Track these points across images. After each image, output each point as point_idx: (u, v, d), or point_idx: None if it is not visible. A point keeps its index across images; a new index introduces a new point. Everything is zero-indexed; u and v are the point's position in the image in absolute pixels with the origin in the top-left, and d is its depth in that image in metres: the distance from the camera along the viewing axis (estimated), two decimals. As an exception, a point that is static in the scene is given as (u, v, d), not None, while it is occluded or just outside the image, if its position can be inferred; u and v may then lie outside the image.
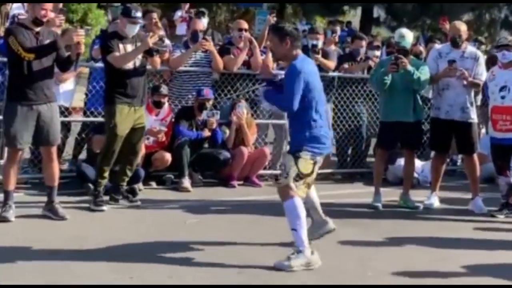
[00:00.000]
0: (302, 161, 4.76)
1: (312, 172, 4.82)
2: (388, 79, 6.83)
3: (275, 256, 4.76)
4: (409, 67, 6.74)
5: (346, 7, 21.58)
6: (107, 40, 6.33)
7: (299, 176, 4.76)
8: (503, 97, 6.74)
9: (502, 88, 6.76)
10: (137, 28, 6.40)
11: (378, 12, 21.80)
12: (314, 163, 4.82)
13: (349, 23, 20.71)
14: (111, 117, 6.24)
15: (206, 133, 7.68)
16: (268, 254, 4.95)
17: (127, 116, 6.27)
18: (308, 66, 4.91)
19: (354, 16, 22.46)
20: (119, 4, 8.49)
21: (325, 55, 8.50)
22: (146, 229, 5.68)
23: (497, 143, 6.86)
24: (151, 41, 6.25)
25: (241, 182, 7.94)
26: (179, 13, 14.73)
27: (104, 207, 6.26)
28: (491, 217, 6.75)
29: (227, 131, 7.90)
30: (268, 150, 8.21)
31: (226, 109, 8.01)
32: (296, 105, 4.77)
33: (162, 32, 8.20)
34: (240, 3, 23.81)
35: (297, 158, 4.77)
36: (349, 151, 8.81)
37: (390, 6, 20.53)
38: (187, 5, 14.76)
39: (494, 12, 21.19)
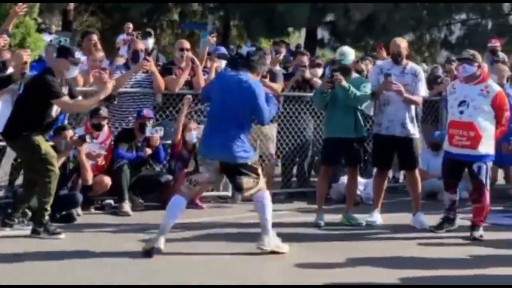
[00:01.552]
0: None
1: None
2: (327, 96, 6.92)
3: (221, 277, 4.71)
4: (344, 83, 6.81)
5: (290, 29, 21.82)
6: (52, 82, 5.94)
7: None
8: (461, 112, 6.73)
9: (461, 103, 6.75)
10: (77, 70, 6.30)
11: (322, 33, 22.11)
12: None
13: (287, 45, 20.91)
14: (36, 147, 5.93)
15: (147, 152, 7.60)
16: (211, 273, 4.89)
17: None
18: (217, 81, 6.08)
19: (298, 38, 22.69)
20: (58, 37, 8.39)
21: (273, 76, 8.53)
22: (82, 254, 5.55)
23: (451, 158, 6.87)
24: (110, 86, 6.21)
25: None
26: (121, 37, 14.59)
27: (62, 235, 6.05)
28: (432, 232, 6.83)
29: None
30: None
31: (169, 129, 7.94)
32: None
33: (102, 53, 8.10)
34: (185, 25, 23.91)
35: None
36: (294, 170, 8.85)
37: (334, 27, 20.83)
38: (130, 28, 14.66)
39: (434, 32, 21.75)
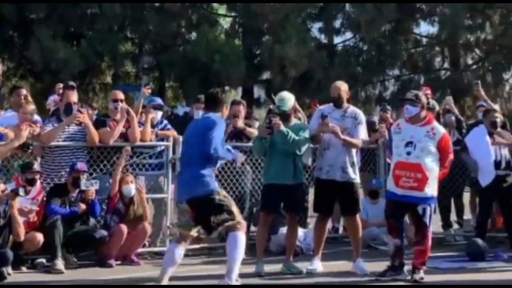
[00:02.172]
0: None
1: None
2: (266, 143, 7.04)
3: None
4: (283, 128, 6.94)
5: (226, 87, 22.17)
6: None
7: None
8: (408, 153, 6.80)
9: (408, 144, 6.83)
10: None
11: (258, 92, 22.57)
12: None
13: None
14: None
15: (81, 207, 7.52)
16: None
17: None
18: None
19: (235, 96, 23.09)
20: None
21: None
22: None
23: (396, 199, 6.91)
24: (25, 134, 6.17)
25: (119, 262, 7.75)
26: (52, 98, 14.47)
27: None
28: (376, 280, 6.88)
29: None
30: (148, 226, 8.10)
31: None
32: None
33: (33, 106, 8.05)
34: (119, 87, 23.97)
35: None
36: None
37: (269, 85, 21.26)
38: (61, 89, 14.56)
39: (369, 89, 22.50)
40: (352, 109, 7.47)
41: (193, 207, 6.06)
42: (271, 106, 9.12)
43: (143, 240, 7.99)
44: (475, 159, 8.76)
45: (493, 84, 20.65)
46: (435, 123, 7.13)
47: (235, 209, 6.16)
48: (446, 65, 22.66)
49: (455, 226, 10.18)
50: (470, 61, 22.68)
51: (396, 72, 22.32)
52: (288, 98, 7.31)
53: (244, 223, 6.29)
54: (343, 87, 7.47)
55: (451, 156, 7.05)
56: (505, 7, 20.92)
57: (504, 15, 21.40)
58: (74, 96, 8.11)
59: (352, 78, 20.46)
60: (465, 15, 19.95)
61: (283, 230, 7.92)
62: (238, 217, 6.16)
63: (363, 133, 7.38)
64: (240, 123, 8.83)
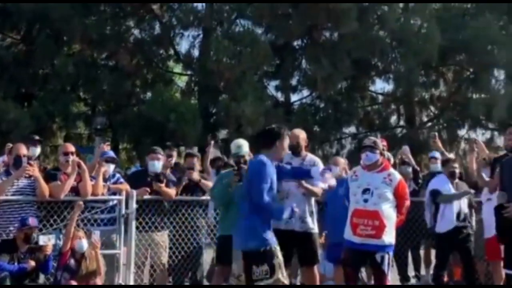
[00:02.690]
0: None
1: None
2: (232, 190, 7.11)
3: None
4: None
5: (182, 148, 22.23)
6: None
7: None
8: (365, 200, 6.89)
9: (365, 191, 6.92)
10: None
11: (214, 152, 22.62)
12: None
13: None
14: None
15: (31, 264, 7.43)
16: None
17: None
18: None
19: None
20: None
21: (167, 181, 8.66)
22: None
23: (354, 248, 6.94)
24: None
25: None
26: (1, 159, 14.25)
27: None
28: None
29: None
30: (101, 283, 8.01)
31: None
32: None
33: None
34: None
35: None
36: (186, 280, 8.86)
37: (226, 145, 21.44)
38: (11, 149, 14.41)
39: (326, 147, 22.86)
40: (310, 157, 7.60)
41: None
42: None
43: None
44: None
45: (448, 140, 21.22)
46: (391, 169, 7.25)
47: (277, 270, 5.91)
48: (402, 122, 23.24)
49: (413, 280, 10.33)
50: (425, 118, 23.30)
51: (353, 129, 22.77)
52: (244, 144, 7.48)
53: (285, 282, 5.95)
54: (301, 135, 7.61)
55: (408, 203, 7.19)
56: (458, 64, 21.70)
57: (457, 72, 22.20)
58: (23, 149, 8.04)
59: (309, 135, 20.82)
60: (419, 72, 20.58)
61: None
62: (276, 276, 5.89)
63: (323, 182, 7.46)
64: (196, 175, 8.92)
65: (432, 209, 9.08)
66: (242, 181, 7.01)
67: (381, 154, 7.16)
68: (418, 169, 10.28)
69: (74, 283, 7.55)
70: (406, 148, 10.62)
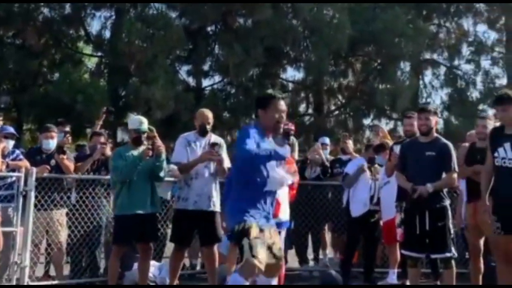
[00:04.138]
0: None
1: None
2: (140, 166, 7.08)
3: None
4: (164, 152, 7.18)
5: (88, 130, 21.89)
6: None
7: None
8: None
9: None
10: None
11: (121, 135, 22.37)
12: None
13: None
14: None
15: None
16: None
17: None
18: None
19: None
20: None
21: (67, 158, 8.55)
22: None
23: None
24: None
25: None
26: None
27: None
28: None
29: None
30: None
31: None
32: None
33: None
34: None
35: None
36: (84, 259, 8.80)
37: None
38: None
39: (235, 133, 22.93)
40: (215, 137, 7.68)
41: None
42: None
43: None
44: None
45: (354, 129, 21.77)
46: None
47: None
48: (310, 110, 23.64)
49: (311, 263, 10.60)
50: (333, 107, 23.79)
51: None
52: (146, 121, 7.50)
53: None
54: (210, 114, 7.64)
55: (297, 178, 7.45)
56: (367, 55, 22.23)
57: (366, 62, 22.73)
58: None
59: (219, 121, 20.90)
60: (329, 61, 20.96)
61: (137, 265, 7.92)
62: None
63: (228, 161, 7.52)
64: (108, 150, 8.88)
65: (347, 192, 9.33)
66: (153, 156, 7.11)
67: None
68: (328, 165, 10.52)
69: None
70: (318, 145, 10.80)
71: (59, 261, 8.49)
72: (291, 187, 7.33)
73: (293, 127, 10.67)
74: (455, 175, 7.13)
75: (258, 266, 5.08)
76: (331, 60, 21.41)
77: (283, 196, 7.17)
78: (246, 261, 5.11)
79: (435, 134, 7.28)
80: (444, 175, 7.07)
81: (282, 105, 5.39)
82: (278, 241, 5.54)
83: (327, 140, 11.19)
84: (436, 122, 7.36)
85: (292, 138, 10.31)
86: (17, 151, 8.52)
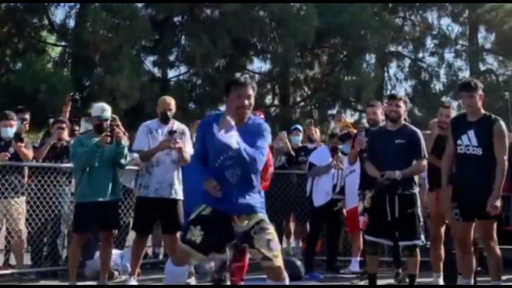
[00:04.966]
0: None
1: None
2: (99, 152, 6.99)
3: None
4: (125, 138, 7.10)
5: (51, 120, 21.56)
6: None
7: None
8: None
9: None
10: None
11: (85, 126, 22.12)
12: None
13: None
14: None
15: None
16: None
17: None
18: None
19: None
20: None
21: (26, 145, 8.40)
22: None
23: None
24: None
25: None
26: None
27: None
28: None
29: None
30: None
31: None
32: None
33: None
34: None
35: None
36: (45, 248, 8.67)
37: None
38: None
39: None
40: (178, 124, 7.60)
41: None
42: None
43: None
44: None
45: (319, 120, 21.85)
46: None
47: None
48: (276, 101, 23.67)
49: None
50: (298, 98, 23.85)
51: (228, 107, 22.91)
52: (109, 109, 7.39)
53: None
54: (172, 101, 7.56)
55: (272, 169, 7.50)
56: (333, 47, 22.31)
57: (332, 54, 22.82)
58: None
59: (184, 112, 20.81)
60: (295, 53, 20.98)
61: (98, 254, 7.83)
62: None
63: (190, 147, 7.45)
64: (65, 135, 8.73)
65: (310, 181, 9.32)
66: (112, 143, 7.02)
67: None
68: (294, 154, 10.50)
69: None
70: (283, 134, 10.76)
71: (19, 249, 8.36)
72: (263, 177, 7.28)
73: (262, 116, 10.62)
74: (424, 162, 7.17)
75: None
76: (298, 52, 21.47)
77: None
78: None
79: (403, 122, 7.30)
80: (414, 162, 7.09)
81: (245, 90, 4.92)
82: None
83: (299, 126, 11.15)
84: (405, 110, 7.37)
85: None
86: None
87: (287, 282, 5.03)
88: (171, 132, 7.23)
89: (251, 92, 4.97)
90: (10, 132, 8.31)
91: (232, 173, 4.96)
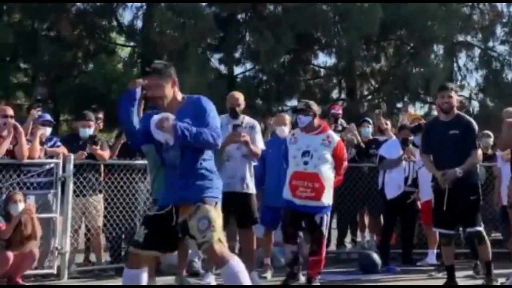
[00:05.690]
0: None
1: None
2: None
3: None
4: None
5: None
6: None
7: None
8: (305, 163, 7.04)
9: (304, 153, 7.06)
10: None
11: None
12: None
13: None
14: None
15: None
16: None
17: None
18: None
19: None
20: None
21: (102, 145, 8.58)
22: None
23: (293, 208, 7.09)
24: None
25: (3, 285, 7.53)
26: None
27: None
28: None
29: None
30: (37, 250, 7.91)
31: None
32: None
33: None
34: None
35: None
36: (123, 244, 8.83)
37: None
38: None
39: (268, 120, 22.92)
40: (248, 119, 7.63)
41: None
42: None
43: (31, 264, 7.78)
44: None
45: (388, 113, 21.50)
46: (330, 131, 7.45)
47: None
48: (343, 95, 23.44)
49: (348, 245, 10.52)
50: (365, 92, 23.55)
51: (295, 102, 22.81)
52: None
53: None
54: (241, 97, 7.59)
55: (346, 163, 7.41)
56: (399, 39, 21.93)
57: (398, 46, 22.44)
58: None
59: (251, 108, 20.86)
60: (361, 46, 20.72)
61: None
62: None
63: (261, 143, 7.51)
64: None
65: (382, 174, 9.24)
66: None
67: (315, 115, 7.28)
68: (364, 146, 10.42)
69: (9, 253, 7.42)
70: (352, 126, 10.68)
71: (98, 246, 8.54)
72: (338, 172, 7.26)
73: (340, 111, 10.58)
74: (480, 152, 7.06)
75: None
76: (363, 45, 21.16)
77: (327, 179, 7.09)
78: None
79: (456, 111, 7.13)
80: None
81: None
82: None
83: (368, 119, 11.08)
84: (457, 100, 7.23)
85: (341, 121, 10.29)
86: (55, 138, 8.61)
87: (234, 265, 4.60)
88: (234, 127, 7.25)
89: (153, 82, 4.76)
90: (88, 132, 8.50)
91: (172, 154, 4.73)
